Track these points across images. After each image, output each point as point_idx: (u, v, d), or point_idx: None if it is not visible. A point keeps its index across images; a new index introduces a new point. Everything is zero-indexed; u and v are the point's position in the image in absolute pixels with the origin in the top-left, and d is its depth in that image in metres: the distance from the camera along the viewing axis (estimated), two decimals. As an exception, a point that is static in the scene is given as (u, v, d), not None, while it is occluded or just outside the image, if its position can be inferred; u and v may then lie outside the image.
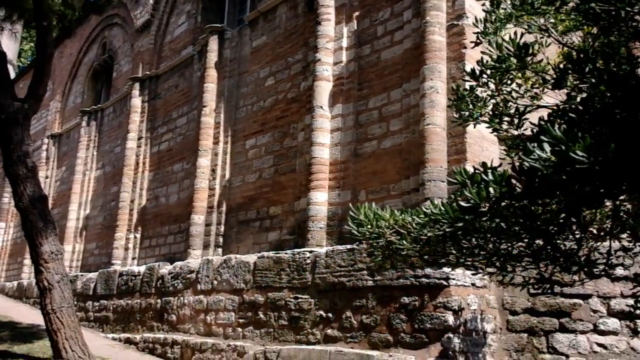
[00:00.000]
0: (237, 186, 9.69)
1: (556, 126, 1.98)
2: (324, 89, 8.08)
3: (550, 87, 2.95)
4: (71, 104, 17.61)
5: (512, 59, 2.85)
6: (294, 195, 8.42)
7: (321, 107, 8.01)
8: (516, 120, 3.79)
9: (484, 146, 6.41)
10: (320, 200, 7.65)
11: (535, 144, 1.85)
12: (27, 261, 16.11)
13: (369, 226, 2.95)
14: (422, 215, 2.63)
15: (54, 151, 17.54)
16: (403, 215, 2.93)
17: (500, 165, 2.80)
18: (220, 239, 9.63)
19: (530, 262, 3.29)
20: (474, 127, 4.31)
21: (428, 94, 6.48)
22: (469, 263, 3.23)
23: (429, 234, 2.96)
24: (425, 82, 6.54)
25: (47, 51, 8.63)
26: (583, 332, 5.44)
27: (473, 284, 5.64)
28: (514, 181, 2.29)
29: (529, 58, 2.94)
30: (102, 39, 16.79)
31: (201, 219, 9.92)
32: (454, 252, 3.17)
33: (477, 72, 3.71)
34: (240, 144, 9.90)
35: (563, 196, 2.10)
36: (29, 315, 11.50)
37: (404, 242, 2.90)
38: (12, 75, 12.89)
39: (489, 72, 3.67)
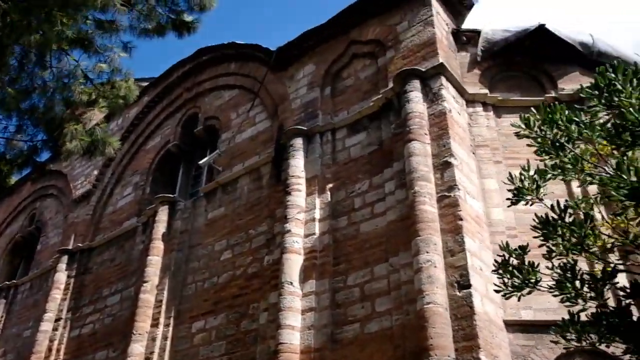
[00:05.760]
0: (177, 380, 7.92)
1: None
2: (294, 263, 7.13)
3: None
4: (-21, 281, 15.35)
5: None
6: (251, 393, 6.84)
7: (291, 282, 6.96)
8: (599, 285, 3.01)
9: (494, 332, 5.47)
10: (290, 399, 6.16)
11: None
12: None
13: None
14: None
15: (-56, 335, 14.68)
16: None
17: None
18: None
19: None
20: (528, 292, 3.48)
21: (425, 267, 5.67)
22: None
23: None
24: (420, 255, 5.78)
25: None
26: None
27: None
28: None
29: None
30: (31, 210, 15.40)
31: None
32: None
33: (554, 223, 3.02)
34: (186, 327, 8.37)
35: None
36: None
37: None
38: None
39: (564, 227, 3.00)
